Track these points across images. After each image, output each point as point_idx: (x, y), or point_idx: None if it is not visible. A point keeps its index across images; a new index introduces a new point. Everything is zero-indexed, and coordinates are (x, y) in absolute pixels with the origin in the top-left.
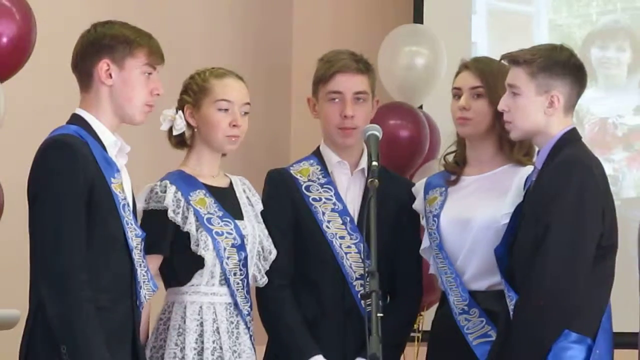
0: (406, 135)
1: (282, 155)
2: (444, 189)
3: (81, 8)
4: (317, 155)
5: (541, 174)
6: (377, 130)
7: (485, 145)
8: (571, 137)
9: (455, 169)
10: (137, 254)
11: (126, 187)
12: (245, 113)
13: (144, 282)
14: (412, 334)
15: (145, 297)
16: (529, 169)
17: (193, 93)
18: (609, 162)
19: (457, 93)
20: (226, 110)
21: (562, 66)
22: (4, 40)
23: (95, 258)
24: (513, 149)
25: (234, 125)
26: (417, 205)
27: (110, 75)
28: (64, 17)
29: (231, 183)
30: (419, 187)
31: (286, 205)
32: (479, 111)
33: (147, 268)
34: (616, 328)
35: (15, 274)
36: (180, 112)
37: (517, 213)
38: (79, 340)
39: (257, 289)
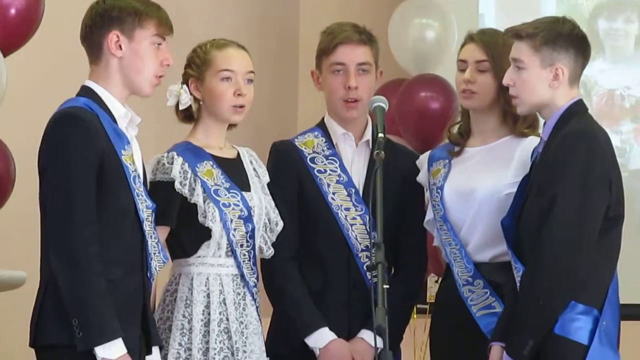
0: (437, 107)
1: (289, 127)
2: (447, 160)
3: None
4: (322, 127)
5: (547, 146)
6: (383, 102)
7: (489, 117)
8: (577, 109)
9: (459, 140)
10: (148, 226)
11: (137, 159)
12: (250, 81)
13: (154, 253)
14: (422, 306)
15: (156, 268)
16: (531, 139)
17: (196, 66)
18: (616, 134)
19: (462, 66)
20: (229, 79)
21: (565, 39)
22: (12, 11)
23: (106, 230)
24: (517, 122)
25: (238, 95)
26: (421, 177)
27: (120, 46)
28: None
29: (239, 154)
30: (422, 160)
31: (291, 177)
32: (484, 85)
33: (157, 240)
34: (623, 299)
35: (24, 237)
36: (184, 86)
37: (523, 184)
38: (90, 313)
39: (263, 260)
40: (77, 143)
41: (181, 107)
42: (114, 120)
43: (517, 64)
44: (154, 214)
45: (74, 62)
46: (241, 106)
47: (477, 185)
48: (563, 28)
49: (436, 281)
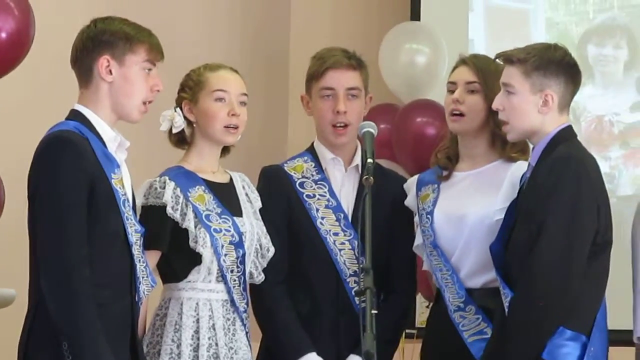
0: (433, 133)
1: (280, 153)
2: (436, 185)
3: (80, 3)
4: (311, 151)
5: (536, 171)
6: (372, 128)
7: (477, 141)
8: (566, 135)
9: (448, 164)
10: (136, 250)
11: (126, 183)
12: (243, 103)
13: (143, 277)
14: (410, 331)
15: (144, 292)
16: (520, 164)
17: (189, 89)
18: (605, 160)
19: (452, 87)
20: (223, 100)
21: (556, 65)
22: (3, 35)
23: (96, 254)
24: (506, 146)
25: (232, 115)
26: (410, 201)
27: (111, 71)
28: (63, 12)
29: (231, 179)
30: (410, 184)
31: (280, 202)
32: (473, 106)
33: (146, 263)
34: (611, 325)
35: (13, 254)
36: (178, 109)
37: (512, 209)
38: (81, 337)
39: (252, 285)
40: (68, 166)
41: (174, 130)
42: (104, 144)
43: (508, 88)
44: (142, 238)
45: (63, 86)
46: (235, 127)
47: (468, 211)
48: (554, 54)
49: (427, 306)
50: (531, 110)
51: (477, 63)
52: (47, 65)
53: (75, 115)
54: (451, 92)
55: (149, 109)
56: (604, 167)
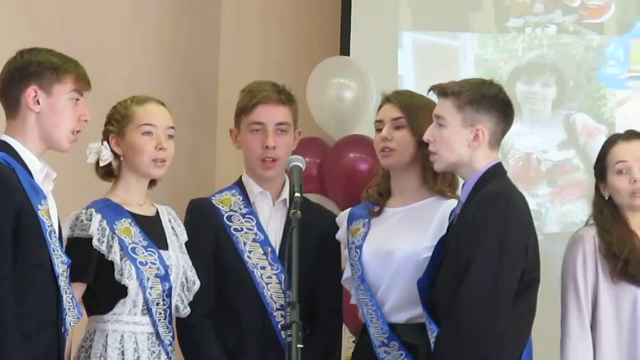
0: (366, 169)
1: (207, 186)
2: (367, 220)
3: (5, 35)
4: (239, 185)
5: (465, 208)
6: (300, 162)
7: (408, 176)
8: (496, 172)
9: (379, 200)
10: (63, 281)
11: (52, 214)
12: (170, 137)
13: (69, 308)
14: None
15: (70, 323)
16: (452, 202)
17: (116, 122)
18: (533, 197)
19: (379, 126)
20: (150, 134)
21: (490, 101)
22: None
23: (21, 284)
24: (437, 180)
25: (160, 149)
26: (340, 235)
27: (38, 101)
28: None
29: (157, 212)
30: (342, 217)
31: (207, 235)
32: (401, 141)
33: (72, 295)
34: None
35: None
36: (105, 142)
37: (440, 245)
38: None
39: (178, 318)
40: None
41: (102, 164)
42: (30, 175)
43: (439, 120)
44: (69, 269)
45: None
46: (162, 160)
47: (396, 246)
48: (489, 90)
49: (353, 341)
50: (461, 143)
51: (401, 99)
52: None
53: (2, 145)
54: (379, 130)
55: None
56: (531, 204)
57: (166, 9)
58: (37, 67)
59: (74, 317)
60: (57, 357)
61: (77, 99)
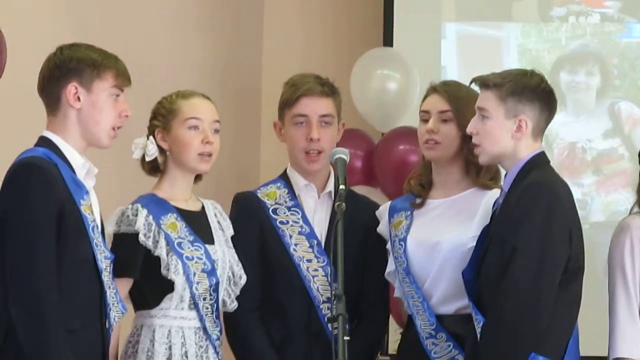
0: (416, 160)
1: (252, 179)
2: (409, 212)
3: (46, 30)
4: (284, 178)
5: (508, 197)
6: (344, 154)
7: (451, 169)
8: (539, 160)
9: (421, 192)
10: (106, 276)
11: (95, 209)
12: (216, 131)
13: (113, 304)
14: (384, 358)
15: (114, 319)
16: (495, 192)
17: (162, 117)
18: (578, 187)
19: (424, 116)
20: (196, 128)
21: (532, 91)
22: None
23: (65, 280)
24: (479, 173)
25: (206, 143)
26: (382, 228)
27: (79, 98)
28: (30, 39)
29: (203, 207)
30: (382, 211)
31: (253, 229)
32: (447, 135)
33: (116, 290)
34: (583, 352)
35: None
36: (151, 137)
37: (484, 236)
38: None
39: (226, 313)
40: (38, 192)
41: (148, 159)
42: (73, 171)
43: (482, 112)
44: (112, 265)
45: (32, 112)
46: (209, 154)
47: (441, 238)
48: (530, 81)
49: (400, 333)
50: (504, 134)
51: (448, 91)
52: (16, 92)
53: (44, 142)
54: (424, 121)
55: (118, 136)
56: (576, 194)
57: (208, 1)
58: (77, 64)
59: (118, 313)
60: (102, 352)
61: (117, 95)
